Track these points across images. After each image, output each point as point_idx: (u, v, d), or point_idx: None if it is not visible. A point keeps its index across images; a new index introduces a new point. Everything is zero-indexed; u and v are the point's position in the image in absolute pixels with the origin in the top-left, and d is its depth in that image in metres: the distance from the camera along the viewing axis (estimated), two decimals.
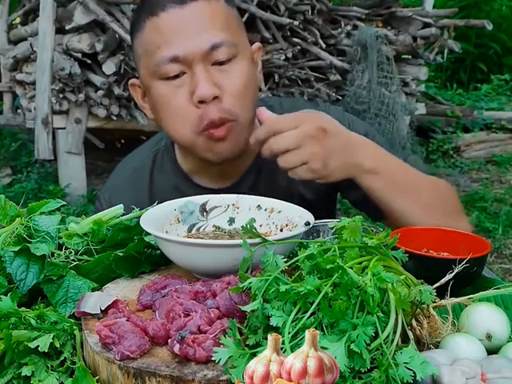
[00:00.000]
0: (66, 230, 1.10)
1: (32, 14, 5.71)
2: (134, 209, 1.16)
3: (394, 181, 1.30)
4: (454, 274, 0.88)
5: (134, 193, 1.52)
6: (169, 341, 0.79)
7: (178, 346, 0.77)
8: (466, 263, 0.90)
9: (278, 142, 1.20)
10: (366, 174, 1.26)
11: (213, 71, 1.31)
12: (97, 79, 4.82)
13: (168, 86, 1.32)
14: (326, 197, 1.56)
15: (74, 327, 0.88)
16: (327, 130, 1.21)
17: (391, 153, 1.35)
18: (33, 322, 0.85)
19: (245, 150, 1.39)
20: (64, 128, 5.03)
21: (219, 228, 1.16)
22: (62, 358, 0.84)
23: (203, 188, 1.47)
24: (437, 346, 0.85)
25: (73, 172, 5.15)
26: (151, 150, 1.57)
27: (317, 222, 1.11)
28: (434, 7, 6.71)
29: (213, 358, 0.75)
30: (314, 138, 1.19)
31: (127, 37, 4.68)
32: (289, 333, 0.74)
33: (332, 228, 0.89)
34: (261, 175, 1.48)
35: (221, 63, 1.31)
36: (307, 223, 1.03)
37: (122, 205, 1.16)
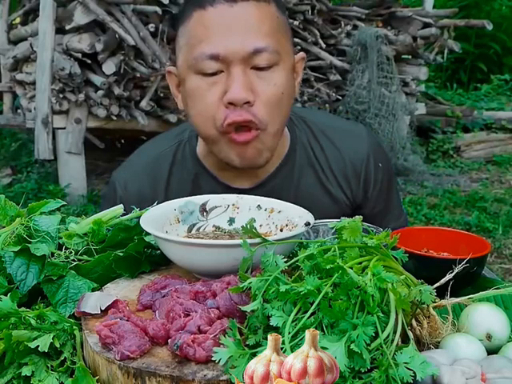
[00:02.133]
0: (66, 230, 1.10)
1: (32, 14, 5.70)
2: (133, 209, 1.16)
3: None
4: (453, 274, 0.88)
5: (152, 182, 1.50)
6: (169, 341, 0.79)
7: (180, 341, 0.77)
8: (465, 263, 0.90)
9: None
10: None
11: (250, 75, 1.29)
12: (97, 79, 4.82)
13: (203, 81, 1.30)
14: (346, 213, 1.51)
15: (74, 327, 0.88)
16: None
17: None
18: (33, 322, 0.85)
19: (269, 160, 1.38)
20: (64, 128, 5.03)
21: (219, 228, 1.16)
22: (62, 358, 0.84)
23: (222, 184, 1.46)
24: (437, 346, 0.85)
25: (73, 172, 5.15)
26: (173, 141, 1.54)
27: (317, 222, 1.11)
28: (434, 7, 6.71)
29: (213, 358, 0.75)
30: None
31: (127, 37, 4.68)
32: (289, 333, 0.74)
33: (332, 228, 0.89)
34: (286, 181, 1.46)
35: (260, 69, 1.29)
36: (307, 223, 1.02)
37: (121, 205, 1.16)
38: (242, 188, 1.44)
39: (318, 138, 1.50)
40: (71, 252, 1.05)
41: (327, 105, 5.86)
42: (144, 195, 1.47)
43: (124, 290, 1.00)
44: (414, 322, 0.85)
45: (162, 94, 5.06)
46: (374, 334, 0.73)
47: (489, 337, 0.86)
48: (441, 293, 0.86)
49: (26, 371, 0.80)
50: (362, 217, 0.89)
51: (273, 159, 1.42)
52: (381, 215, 1.51)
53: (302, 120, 1.52)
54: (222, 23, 1.29)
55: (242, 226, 0.94)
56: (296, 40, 5.65)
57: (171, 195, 1.46)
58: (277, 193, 1.39)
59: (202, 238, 1.12)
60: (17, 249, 1.00)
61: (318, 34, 5.77)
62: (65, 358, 0.84)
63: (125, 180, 1.52)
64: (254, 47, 1.27)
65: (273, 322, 0.76)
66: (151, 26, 4.92)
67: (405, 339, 0.79)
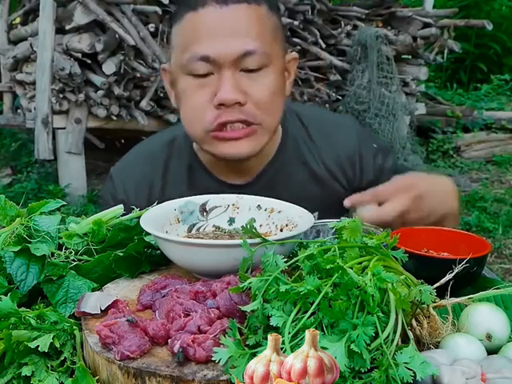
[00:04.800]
0: (66, 230, 1.10)
1: (32, 14, 5.70)
2: (133, 209, 1.16)
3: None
4: (453, 274, 0.87)
5: (149, 173, 1.53)
6: (169, 341, 0.79)
7: (177, 346, 0.77)
8: (465, 263, 0.90)
9: (382, 214, 1.23)
10: (450, 217, 1.32)
11: (240, 77, 1.30)
12: (97, 79, 4.82)
13: (194, 82, 1.32)
14: (340, 201, 1.56)
15: (74, 327, 0.88)
16: (423, 196, 1.26)
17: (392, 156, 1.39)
18: (33, 322, 0.85)
19: (259, 153, 1.39)
20: (64, 128, 5.03)
21: (219, 228, 1.16)
22: (62, 358, 0.84)
23: (215, 178, 1.48)
24: (437, 346, 0.85)
25: (73, 172, 5.15)
26: (170, 135, 1.58)
27: (317, 222, 1.11)
28: (434, 7, 6.71)
29: (213, 358, 0.75)
30: (412, 209, 1.24)
31: (127, 37, 4.68)
32: (289, 333, 0.74)
33: (332, 228, 0.89)
34: (278, 176, 1.48)
35: (250, 71, 1.31)
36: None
37: (121, 205, 1.16)
38: (235, 184, 1.46)
39: (310, 132, 1.53)
40: (71, 252, 1.05)
41: (327, 105, 5.86)
42: (141, 183, 1.52)
43: (124, 290, 1.00)
44: (414, 322, 0.85)
45: (161, 94, 5.06)
46: (374, 334, 0.73)
47: (489, 337, 0.86)
48: (441, 293, 0.86)
49: (25, 371, 0.80)
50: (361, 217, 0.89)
51: (266, 153, 1.44)
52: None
53: (295, 114, 1.54)
54: (212, 25, 1.30)
55: (242, 226, 0.94)
56: (296, 40, 5.66)
57: (168, 187, 1.51)
58: (270, 187, 1.42)
59: (202, 238, 1.12)
60: (17, 249, 1.00)
61: (318, 33, 5.77)
62: (65, 357, 0.84)
63: (122, 171, 1.57)
64: (243, 50, 1.29)
65: (273, 322, 0.76)
66: (151, 26, 4.92)
67: (405, 339, 0.79)
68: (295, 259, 0.85)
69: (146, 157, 1.57)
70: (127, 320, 0.83)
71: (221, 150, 1.36)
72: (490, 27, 6.47)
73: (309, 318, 0.76)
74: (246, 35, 1.30)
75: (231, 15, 1.30)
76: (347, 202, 1.28)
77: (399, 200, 1.26)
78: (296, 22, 5.48)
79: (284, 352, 0.70)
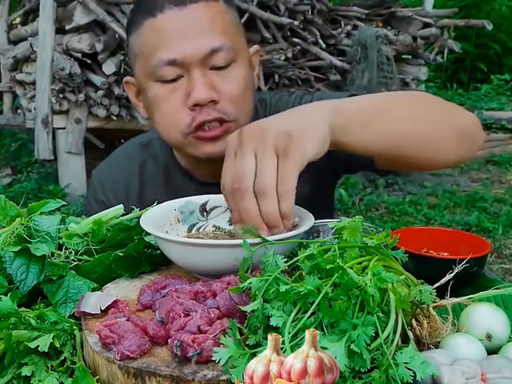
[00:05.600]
0: (66, 230, 1.10)
1: (32, 14, 5.70)
2: (133, 209, 1.16)
3: (361, 123, 1.08)
4: (453, 274, 0.88)
5: (125, 173, 1.55)
6: (169, 341, 0.79)
7: (176, 340, 0.77)
8: (465, 263, 0.90)
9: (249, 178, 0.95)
10: (332, 138, 1.03)
11: (210, 75, 1.30)
12: (97, 79, 4.82)
13: (164, 88, 1.31)
14: (325, 187, 1.53)
15: (74, 327, 0.88)
16: (293, 136, 0.97)
17: None
18: (33, 322, 0.85)
19: None
20: (64, 128, 5.03)
21: (219, 228, 1.16)
22: (62, 358, 0.84)
23: (195, 180, 1.49)
24: (437, 346, 0.85)
25: (73, 172, 5.15)
26: (144, 139, 1.59)
27: (317, 222, 1.11)
28: (434, 7, 6.71)
29: (213, 358, 0.75)
30: (279, 154, 0.96)
31: None
32: (289, 333, 0.74)
33: (332, 228, 0.89)
34: None
35: (219, 68, 1.30)
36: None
37: (121, 205, 1.16)
38: (214, 182, 1.41)
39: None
40: (71, 252, 1.05)
41: None
42: (118, 183, 1.54)
43: (124, 289, 1.00)
44: (414, 322, 0.85)
45: None
46: (374, 334, 0.73)
47: (489, 337, 0.86)
48: (441, 293, 0.86)
49: (25, 371, 0.80)
50: (361, 217, 0.89)
51: None
52: None
53: (263, 101, 1.52)
54: (174, 28, 1.28)
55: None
56: (296, 40, 5.66)
57: (145, 188, 1.52)
58: None
59: (202, 238, 1.12)
60: (17, 249, 1.00)
61: (318, 33, 5.76)
62: (65, 357, 0.84)
63: (101, 172, 1.59)
64: (210, 48, 1.28)
65: (273, 322, 0.76)
66: None
67: (405, 339, 0.79)
68: (295, 259, 0.85)
69: (122, 158, 1.59)
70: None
71: (202, 151, 1.34)
72: (490, 27, 6.47)
73: (309, 317, 0.76)
74: (210, 33, 1.29)
75: (192, 15, 1.29)
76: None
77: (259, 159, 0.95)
78: (296, 22, 5.48)
79: (284, 352, 0.70)
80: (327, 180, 1.58)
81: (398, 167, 1.37)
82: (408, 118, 1.15)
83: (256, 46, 1.45)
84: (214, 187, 1.39)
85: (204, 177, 1.48)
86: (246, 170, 0.95)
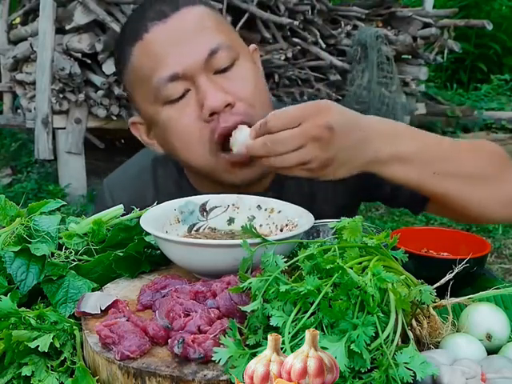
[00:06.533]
0: (66, 230, 1.10)
1: (32, 14, 5.71)
2: (133, 209, 1.16)
3: (426, 162, 1.12)
4: (453, 274, 0.88)
5: (138, 196, 1.41)
6: (169, 341, 0.79)
7: (176, 348, 0.77)
8: (465, 263, 0.90)
9: (277, 143, 1.02)
10: (385, 165, 1.09)
11: (217, 80, 1.22)
12: (97, 79, 4.82)
13: (174, 109, 1.23)
14: (349, 212, 1.38)
15: (74, 327, 0.88)
16: (334, 128, 1.02)
17: None
18: (33, 322, 0.85)
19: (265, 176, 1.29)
20: (64, 128, 5.03)
21: (215, 229, 1.16)
22: (62, 358, 0.84)
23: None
24: (437, 346, 0.85)
25: (73, 172, 5.15)
26: (154, 154, 1.45)
27: (317, 222, 1.11)
28: (434, 7, 6.71)
29: (213, 358, 0.75)
30: (318, 139, 1.01)
31: None
32: (289, 333, 0.74)
33: (332, 228, 0.89)
34: (283, 191, 1.34)
35: (223, 70, 1.23)
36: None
37: (121, 205, 1.16)
38: None
39: None
40: (71, 252, 1.05)
41: None
42: (133, 200, 1.39)
43: (124, 290, 1.00)
44: (414, 322, 0.85)
45: None
46: (374, 334, 0.73)
47: (489, 337, 0.86)
48: (441, 293, 0.86)
49: (25, 371, 0.80)
50: (361, 217, 0.89)
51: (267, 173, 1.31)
52: None
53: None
54: (165, 43, 1.22)
55: (242, 226, 0.94)
56: (296, 40, 5.66)
57: (160, 197, 1.39)
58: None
59: (202, 238, 1.12)
60: (17, 249, 1.00)
61: (318, 33, 5.76)
62: (65, 357, 0.84)
63: (113, 190, 1.48)
64: (208, 50, 1.21)
65: (273, 322, 0.76)
66: None
67: (405, 339, 0.79)
68: (295, 259, 0.85)
69: (136, 180, 1.47)
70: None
71: (239, 177, 1.25)
72: (490, 27, 6.47)
73: (309, 317, 0.76)
74: (203, 35, 1.22)
75: (178, 24, 1.23)
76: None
77: (299, 130, 1.01)
78: (296, 22, 5.48)
79: (284, 352, 0.70)
80: (356, 204, 1.52)
81: (447, 215, 1.39)
82: (468, 174, 1.18)
83: (253, 45, 1.37)
84: None
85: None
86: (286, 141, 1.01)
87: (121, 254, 1.04)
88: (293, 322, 0.76)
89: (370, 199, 1.58)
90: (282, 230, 1.11)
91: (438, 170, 1.13)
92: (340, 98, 5.90)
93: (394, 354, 0.73)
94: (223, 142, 1.20)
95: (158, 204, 1.14)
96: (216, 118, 1.20)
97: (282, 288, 0.78)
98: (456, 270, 0.88)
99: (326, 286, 0.77)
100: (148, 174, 1.46)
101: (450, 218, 1.41)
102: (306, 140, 1.02)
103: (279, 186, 1.37)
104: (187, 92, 1.22)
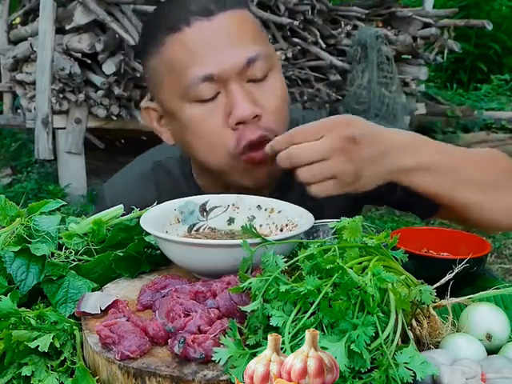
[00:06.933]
0: (66, 230, 1.10)
1: (32, 14, 5.71)
2: (133, 209, 1.16)
3: (446, 171, 1.16)
4: (453, 274, 0.88)
5: (141, 202, 1.33)
6: (169, 341, 0.79)
7: (177, 347, 0.77)
8: (465, 263, 0.90)
9: (300, 152, 1.05)
10: (407, 176, 1.13)
11: (249, 89, 1.20)
12: (97, 79, 4.82)
13: (201, 109, 1.21)
14: (353, 211, 1.38)
15: (74, 327, 0.88)
16: (357, 139, 1.05)
17: None
18: (33, 322, 0.85)
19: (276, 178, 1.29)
20: (64, 128, 5.03)
21: (215, 229, 1.16)
22: (62, 358, 0.84)
23: None
24: (437, 346, 0.85)
25: (73, 172, 5.15)
26: (157, 158, 1.45)
27: (317, 222, 1.11)
28: (434, 7, 6.71)
29: (213, 358, 0.75)
30: (342, 150, 1.04)
31: (127, 37, 4.68)
32: (289, 333, 0.74)
33: (332, 228, 0.89)
34: (288, 195, 1.31)
35: (257, 80, 1.21)
36: None
37: (121, 205, 1.16)
38: None
39: None
40: (71, 252, 1.05)
41: (327, 105, 5.86)
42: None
43: (124, 290, 1.00)
44: (414, 322, 0.85)
45: None
46: (374, 334, 0.73)
47: (489, 337, 0.86)
48: (441, 293, 0.86)
49: (25, 371, 0.80)
50: (361, 217, 0.89)
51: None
52: None
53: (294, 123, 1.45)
54: (206, 41, 1.19)
55: (242, 226, 0.94)
56: (296, 40, 5.66)
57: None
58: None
59: (202, 238, 1.12)
60: (17, 249, 1.00)
61: (318, 33, 5.76)
62: (65, 357, 0.84)
63: (114, 196, 1.43)
64: (246, 58, 1.19)
65: (273, 322, 0.76)
66: None
67: (405, 339, 0.79)
68: (295, 259, 0.85)
69: (138, 185, 1.44)
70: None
71: (253, 176, 1.24)
72: (490, 27, 6.47)
73: (309, 317, 0.76)
74: (244, 42, 1.21)
75: (222, 25, 1.20)
76: (267, 148, 1.12)
77: (323, 140, 1.04)
78: (296, 22, 5.48)
79: (284, 352, 0.70)
80: (360, 207, 1.52)
81: (457, 222, 1.41)
82: (482, 182, 1.21)
83: (278, 53, 1.36)
84: None
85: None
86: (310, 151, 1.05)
87: (121, 254, 1.04)
88: (293, 321, 0.76)
89: (379, 203, 1.58)
90: (282, 230, 1.11)
91: (457, 178, 1.17)
92: (340, 97, 5.91)
93: (394, 353, 0.73)
94: (248, 150, 1.21)
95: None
96: (242, 128, 1.20)
97: (282, 288, 0.78)
98: (456, 270, 0.88)
99: (326, 285, 0.77)
100: (149, 180, 1.44)
101: (460, 224, 1.42)
102: (329, 152, 1.04)
103: (280, 195, 1.33)
104: (217, 95, 1.20)
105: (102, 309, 0.90)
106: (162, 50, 1.23)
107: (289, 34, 5.63)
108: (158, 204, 1.14)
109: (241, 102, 1.18)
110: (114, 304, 0.91)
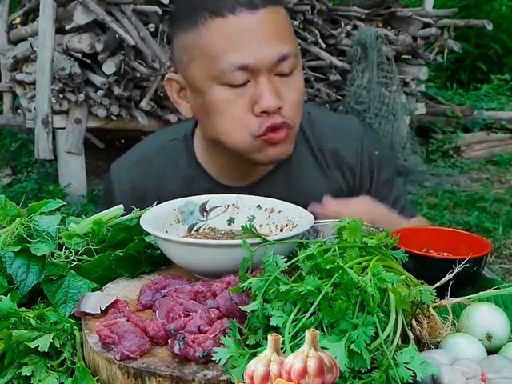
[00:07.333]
0: (66, 230, 1.10)
1: (32, 14, 5.70)
2: (133, 209, 1.16)
3: None
4: (453, 274, 0.88)
5: (143, 179, 1.49)
6: (169, 341, 0.79)
7: (177, 346, 0.77)
8: (465, 263, 0.90)
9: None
10: None
11: (275, 82, 1.30)
12: (97, 79, 4.82)
13: (230, 92, 1.29)
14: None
15: (74, 327, 0.88)
16: (375, 223, 1.19)
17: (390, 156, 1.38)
18: (33, 322, 0.85)
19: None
20: (64, 128, 5.03)
21: (215, 229, 1.16)
22: (62, 358, 0.84)
23: (218, 183, 1.46)
24: (437, 346, 0.85)
25: (73, 172, 5.14)
26: (167, 140, 1.53)
27: (317, 222, 1.11)
28: (434, 7, 6.71)
29: (213, 358, 0.75)
30: None
31: (127, 37, 4.68)
32: (289, 333, 0.74)
33: (332, 228, 0.89)
34: (278, 180, 1.47)
35: (283, 75, 1.30)
36: None
37: (121, 205, 1.16)
38: (240, 186, 1.44)
39: (315, 132, 1.52)
40: (71, 252, 1.05)
41: (327, 105, 5.86)
42: (136, 190, 1.49)
43: (124, 290, 1.00)
44: (414, 322, 0.85)
45: (161, 94, 5.06)
46: (374, 334, 0.73)
47: (489, 337, 0.86)
48: (441, 293, 0.86)
49: (25, 371, 0.80)
50: (362, 217, 0.89)
51: None
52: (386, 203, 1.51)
53: (307, 113, 1.52)
54: (247, 32, 1.27)
55: (242, 226, 0.94)
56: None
57: (163, 196, 1.41)
58: (274, 189, 1.40)
59: (202, 238, 1.12)
60: (17, 249, 1.00)
61: (318, 34, 5.77)
62: (65, 357, 0.84)
63: (119, 172, 1.54)
64: (280, 54, 1.28)
65: (273, 322, 0.76)
66: (151, 26, 4.92)
67: (405, 339, 0.79)
68: (295, 259, 0.85)
69: (141, 163, 1.52)
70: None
71: (268, 154, 1.34)
72: (490, 27, 6.47)
73: (309, 318, 0.76)
74: (280, 39, 1.30)
75: (264, 20, 1.28)
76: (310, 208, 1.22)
77: None
78: (296, 22, 5.48)
79: (284, 352, 0.70)
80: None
81: None
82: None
83: None
84: (236, 190, 1.36)
85: (229, 181, 1.46)
86: None
87: (121, 254, 1.04)
88: (293, 322, 0.76)
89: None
90: (282, 230, 1.11)
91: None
92: (340, 97, 5.91)
93: (394, 354, 0.73)
94: (269, 132, 1.31)
95: (158, 203, 1.14)
96: (265, 116, 1.29)
97: (282, 288, 0.78)
98: (456, 270, 0.88)
99: (325, 286, 0.77)
100: (152, 161, 1.51)
101: None
102: None
103: (272, 179, 1.48)
104: (247, 83, 1.29)
105: (102, 309, 0.90)
106: (200, 29, 1.29)
107: None
108: (158, 201, 1.14)
109: (268, 95, 1.28)
110: (114, 304, 0.91)
